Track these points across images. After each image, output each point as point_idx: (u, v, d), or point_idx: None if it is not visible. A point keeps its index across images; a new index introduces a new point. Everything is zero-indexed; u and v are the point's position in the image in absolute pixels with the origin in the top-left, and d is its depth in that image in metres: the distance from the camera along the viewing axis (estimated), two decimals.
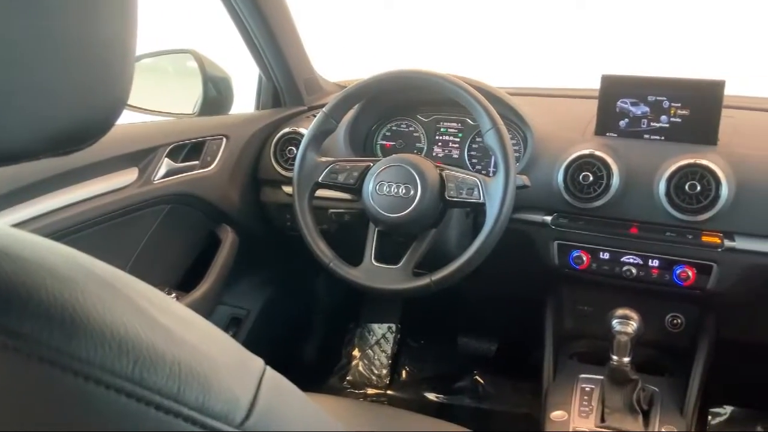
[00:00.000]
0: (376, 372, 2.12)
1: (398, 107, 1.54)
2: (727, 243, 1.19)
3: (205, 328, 0.38)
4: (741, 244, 1.19)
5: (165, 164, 1.29)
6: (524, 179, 1.20)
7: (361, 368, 2.14)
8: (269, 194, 1.58)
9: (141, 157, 1.24)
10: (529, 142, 1.37)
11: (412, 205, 1.20)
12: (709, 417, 1.78)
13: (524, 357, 1.92)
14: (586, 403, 1.20)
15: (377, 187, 1.23)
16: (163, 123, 1.40)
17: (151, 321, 0.33)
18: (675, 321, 1.37)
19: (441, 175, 1.23)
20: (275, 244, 1.71)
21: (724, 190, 1.17)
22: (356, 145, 1.52)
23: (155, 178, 1.27)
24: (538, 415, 1.29)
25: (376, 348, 2.15)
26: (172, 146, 1.30)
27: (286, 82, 1.62)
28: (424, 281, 1.19)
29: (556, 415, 1.18)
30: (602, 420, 1.15)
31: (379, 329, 2.16)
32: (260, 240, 1.65)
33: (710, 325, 1.33)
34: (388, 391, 2.09)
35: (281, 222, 1.59)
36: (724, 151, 1.23)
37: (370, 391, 2.09)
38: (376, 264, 1.25)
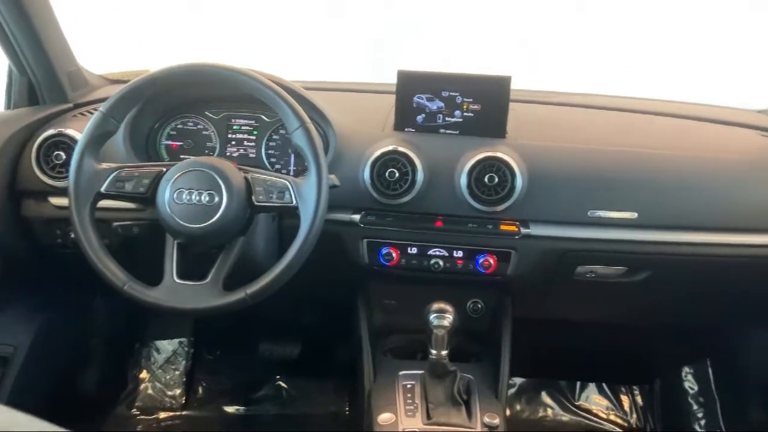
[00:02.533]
0: (169, 393, 1.94)
1: (183, 103, 1.40)
2: (524, 230, 1.26)
3: None
4: (536, 230, 1.27)
5: None
6: (333, 178, 1.15)
7: (151, 391, 1.94)
8: (32, 208, 1.34)
9: None
10: (331, 140, 1.32)
11: (218, 214, 1.09)
12: None
13: (328, 356, 1.89)
14: (410, 401, 1.19)
15: (175, 196, 1.10)
16: None
17: None
18: (475, 306, 1.44)
19: (246, 179, 1.13)
20: (42, 266, 1.46)
21: (519, 181, 1.24)
22: (137, 147, 1.36)
23: None
24: (346, 413, 1.27)
25: (167, 367, 1.97)
26: None
27: (44, 75, 1.39)
28: (238, 296, 1.09)
29: (384, 418, 1.16)
30: (428, 417, 1.15)
31: (169, 345, 1.99)
32: (23, 262, 1.40)
33: (507, 308, 1.41)
34: (184, 412, 1.93)
35: (49, 239, 1.37)
36: (513, 143, 1.30)
37: (163, 414, 1.91)
38: (179, 281, 1.11)
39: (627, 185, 1.27)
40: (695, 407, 1.86)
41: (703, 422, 1.84)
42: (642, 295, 1.43)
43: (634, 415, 1.99)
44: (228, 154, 1.41)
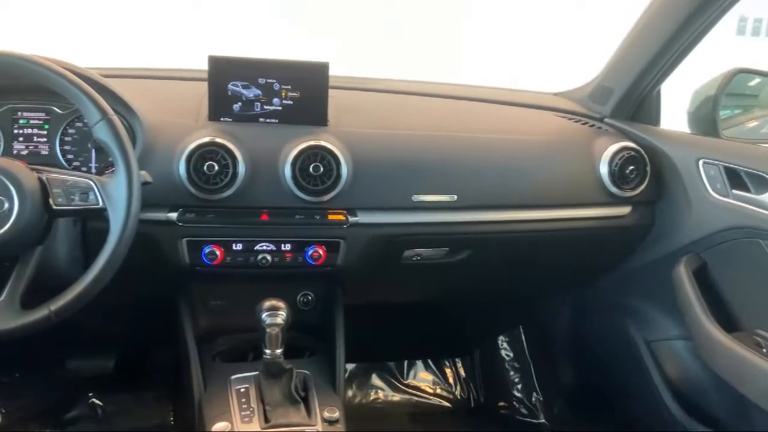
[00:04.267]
0: None
1: None
2: (351, 219, 1.25)
3: None
4: (363, 218, 1.26)
5: None
6: (145, 175, 1.05)
7: None
8: None
9: None
10: (138, 133, 1.21)
11: (10, 222, 0.94)
12: None
13: (148, 366, 1.75)
14: (245, 405, 1.13)
15: None
16: None
17: None
18: (306, 299, 1.41)
19: (41, 180, 0.99)
20: None
21: (344, 170, 1.22)
22: None
23: None
24: (171, 424, 1.17)
25: None
26: None
27: None
28: (41, 313, 0.95)
29: (219, 427, 1.08)
30: (266, 420, 1.10)
31: None
32: None
33: (338, 297, 1.39)
34: None
35: None
36: (335, 131, 1.28)
37: None
38: None
39: (446, 169, 1.31)
40: (512, 373, 2.00)
41: (519, 386, 1.99)
42: (463, 273, 1.49)
43: (458, 387, 2.10)
44: (15, 152, 1.23)
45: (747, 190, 1.22)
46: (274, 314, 1.13)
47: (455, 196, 1.30)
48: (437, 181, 1.30)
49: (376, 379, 2.06)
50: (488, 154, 1.36)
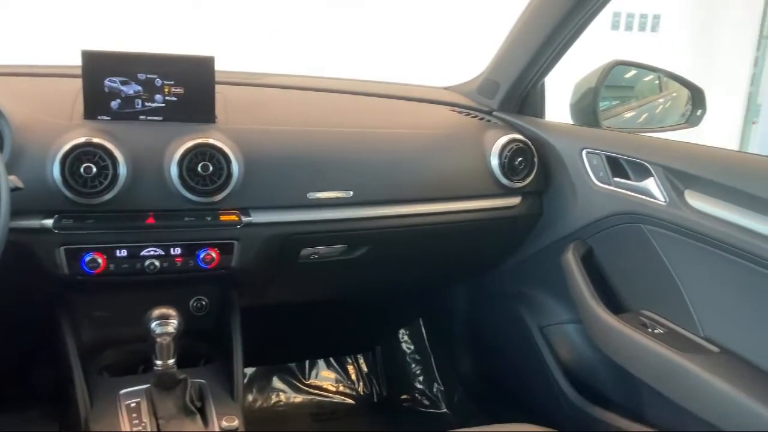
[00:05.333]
0: None
1: None
2: (245, 219, 1.21)
3: None
4: (257, 218, 1.22)
5: None
6: (14, 180, 0.96)
7: None
8: None
9: None
10: (6, 134, 1.11)
11: None
12: None
13: (32, 383, 1.63)
14: (137, 421, 1.07)
15: None
16: None
17: None
18: (199, 304, 1.35)
19: None
20: None
21: (235, 168, 1.17)
22: None
23: None
24: None
25: None
26: None
27: None
28: None
29: None
30: None
31: None
32: None
33: (234, 301, 1.34)
34: None
35: None
36: (224, 128, 1.23)
37: None
38: None
39: (341, 165, 1.29)
40: (413, 365, 2.02)
41: (420, 378, 2.01)
42: (362, 269, 1.48)
43: (361, 383, 2.09)
44: None
45: (627, 177, 1.28)
46: (165, 323, 1.07)
47: (351, 192, 1.29)
48: (332, 177, 1.28)
49: (277, 382, 2.02)
50: (383, 148, 1.36)
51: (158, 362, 1.08)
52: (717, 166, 1.13)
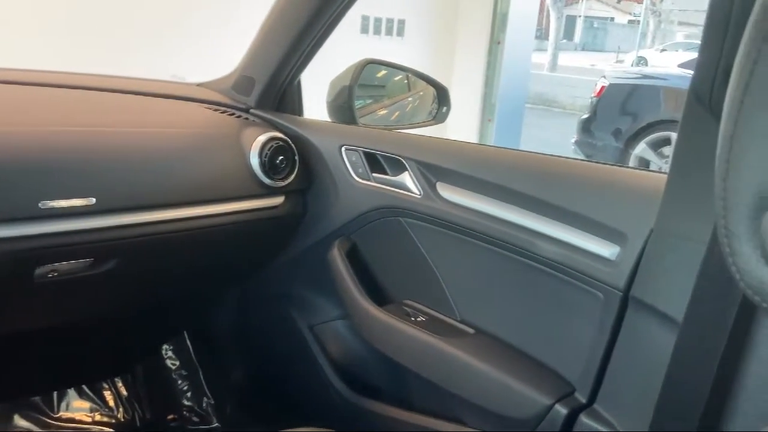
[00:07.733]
0: None
1: None
2: None
3: None
4: None
5: None
6: None
7: None
8: None
9: None
10: None
11: None
12: None
13: None
14: None
15: None
16: None
17: None
18: None
19: None
20: None
21: None
22: None
23: None
24: None
25: None
26: None
27: None
28: None
29: None
30: None
31: None
32: None
33: None
34: None
35: None
36: None
37: None
38: None
39: (80, 169, 1.14)
40: (180, 382, 1.89)
41: (189, 394, 1.88)
42: (111, 285, 1.33)
43: (121, 409, 1.90)
44: None
45: (385, 172, 1.31)
46: None
47: (93, 200, 1.14)
48: (70, 183, 1.12)
49: (20, 420, 1.75)
50: (129, 150, 1.23)
51: None
52: (463, 158, 1.20)
